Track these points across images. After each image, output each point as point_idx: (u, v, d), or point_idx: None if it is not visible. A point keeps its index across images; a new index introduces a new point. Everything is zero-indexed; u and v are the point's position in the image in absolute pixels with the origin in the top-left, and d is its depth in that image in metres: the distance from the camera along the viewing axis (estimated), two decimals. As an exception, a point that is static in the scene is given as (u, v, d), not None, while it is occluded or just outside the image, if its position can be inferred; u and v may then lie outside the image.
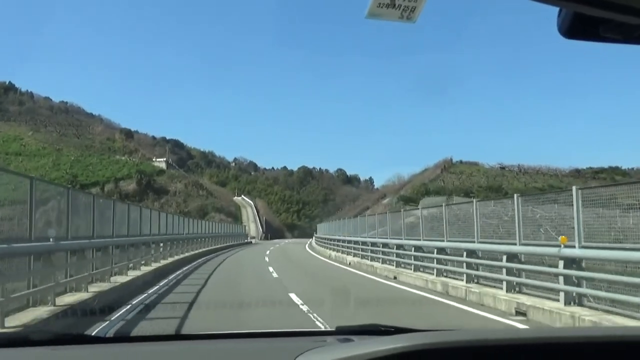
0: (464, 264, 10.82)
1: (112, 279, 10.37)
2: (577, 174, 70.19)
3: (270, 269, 16.13)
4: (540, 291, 8.19)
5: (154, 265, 14.58)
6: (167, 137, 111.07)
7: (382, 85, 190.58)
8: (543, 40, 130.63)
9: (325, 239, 31.01)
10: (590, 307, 6.87)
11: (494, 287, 9.46)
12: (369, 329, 1.79)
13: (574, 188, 7.63)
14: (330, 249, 26.62)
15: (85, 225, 9.82)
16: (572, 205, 7.49)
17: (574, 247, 7.16)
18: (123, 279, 10.76)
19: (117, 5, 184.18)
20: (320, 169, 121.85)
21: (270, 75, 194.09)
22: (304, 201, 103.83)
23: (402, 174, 77.11)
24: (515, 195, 9.43)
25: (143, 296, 9.69)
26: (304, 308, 7.77)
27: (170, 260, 17.27)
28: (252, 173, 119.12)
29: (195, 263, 19.25)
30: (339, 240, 24.74)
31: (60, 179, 56.29)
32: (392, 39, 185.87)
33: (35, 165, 68.66)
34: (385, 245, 16.56)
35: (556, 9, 0.73)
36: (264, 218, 77.21)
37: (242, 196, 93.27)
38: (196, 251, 23.68)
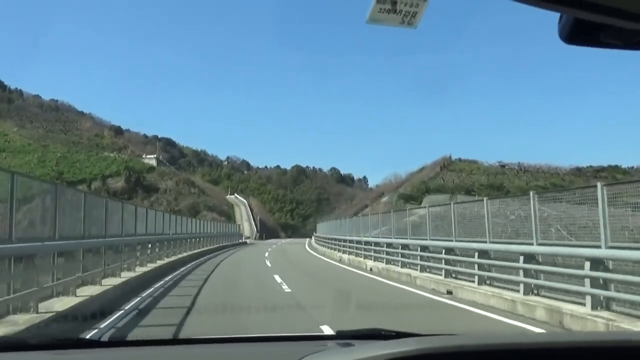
0: (476, 265, 10.49)
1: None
2: (579, 173, 70.53)
3: (277, 278, 13.19)
4: (560, 294, 7.89)
5: (123, 277, 11.20)
6: (159, 136, 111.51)
7: (378, 84, 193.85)
8: (542, 40, 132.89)
9: (328, 239, 29.78)
10: (621, 312, 6.53)
11: (510, 289, 9.16)
12: (369, 334, 1.81)
13: (598, 185, 7.32)
14: (337, 250, 24.80)
15: (73, 224, 9.35)
16: (597, 203, 7.16)
17: (599, 247, 6.84)
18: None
19: (115, 5, 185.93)
20: (313, 168, 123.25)
21: (265, 75, 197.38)
22: (298, 200, 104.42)
23: (399, 172, 77.28)
24: (531, 193, 9.14)
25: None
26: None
27: (148, 267, 14.17)
28: (245, 172, 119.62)
29: (183, 269, 16.33)
30: (345, 241, 23.30)
31: (45, 176, 55.47)
32: (390, 39, 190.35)
33: (20, 161, 67.71)
34: (405, 246, 15.08)
35: (556, 13, 0.73)
36: (258, 217, 76.66)
37: (235, 194, 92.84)
38: (185, 254, 20.99)
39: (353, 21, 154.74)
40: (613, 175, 66.82)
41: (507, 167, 70.35)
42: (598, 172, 71.56)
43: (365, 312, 7.78)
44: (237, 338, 2.02)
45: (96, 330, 6.28)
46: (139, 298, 9.55)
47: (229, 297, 10.25)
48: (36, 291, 6.66)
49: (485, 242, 10.36)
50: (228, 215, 70.78)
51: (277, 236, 75.40)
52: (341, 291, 11.23)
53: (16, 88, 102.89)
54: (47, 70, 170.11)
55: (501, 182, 59.36)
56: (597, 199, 6.98)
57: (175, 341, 2.40)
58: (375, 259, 17.53)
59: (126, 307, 8.25)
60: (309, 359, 1.26)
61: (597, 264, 6.90)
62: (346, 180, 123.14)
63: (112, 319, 7.11)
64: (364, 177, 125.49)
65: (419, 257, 13.80)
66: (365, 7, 1.00)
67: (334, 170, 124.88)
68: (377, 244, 17.78)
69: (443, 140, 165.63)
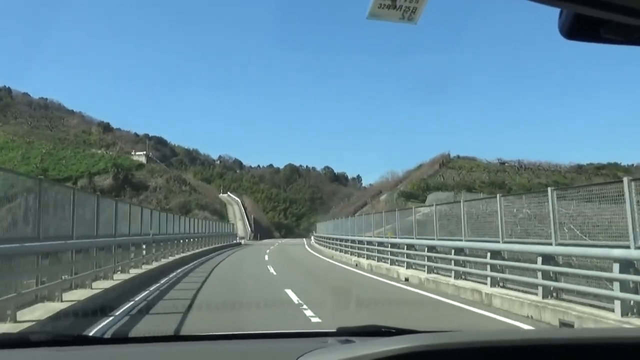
0: (488, 267, 10.17)
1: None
2: (580, 170, 70.89)
3: (291, 294, 9.85)
4: (582, 297, 7.58)
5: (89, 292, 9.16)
6: (150, 135, 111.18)
7: (373, 83, 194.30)
8: (541, 38, 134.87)
9: (333, 239, 28.12)
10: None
11: (526, 292, 8.88)
12: (370, 330, 1.83)
13: (625, 179, 6.98)
14: (347, 252, 22.71)
15: (58, 223, 8.89)
16: (625, 200, 6.83)
17: (627, 247, 6.51)
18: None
19: (109, 5, 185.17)
20: (307, 166, 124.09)
21: (258, 74, 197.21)
22: (291, 199, 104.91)
23: (395, 170, 77.24)
24: (549, 190, 8.80)
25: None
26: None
27: (126, 276, 11.81)
28: (238, 171, 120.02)
29: (167, 280, 13.04)
30: (357, 242, 21.27)
31: (29, 173, 54.53)
32: (389, 38, 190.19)
33: (3, 158, 66.64)
34: (431, 248, 13.52)
35: (556, 9, 0.75)
36: (252, 216, 76.04)
37: (228, 193, 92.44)
38: (170, 258, 18.16)
39: (351, 21, 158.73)
40: (614, 172, 67.35)
41: (507, 164, 70.42)
42: (599, 170, 72.12)
43: None
44: (237, 335, 2.04)
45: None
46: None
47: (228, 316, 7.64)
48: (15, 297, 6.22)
49: (498, 241, 10.05)
50: (221, 214, 70.08)
51: (271, 236, 75.04)
52: (365, 302, 8.95)
53: (4, 86, 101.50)
54: (39, 70, 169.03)
55: (503, 180, 59.43)
56: (606, 195, 6.94)
57: (177, 338, 2.37)
58: (408, 266, 14.57)
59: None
60: (310, 356, 1.28)
61: (627, 266, 6.58)
62: (340, 179, 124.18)
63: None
64: (358, 176, 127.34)
65: (425, 258, 13.49)
66: (365, 4, 1.02)
67: (327, 169, 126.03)
68: (393, 245, 16.13)
69: (440, 138, 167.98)
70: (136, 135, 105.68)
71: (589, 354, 1.18)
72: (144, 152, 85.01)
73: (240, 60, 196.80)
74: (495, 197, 10.61)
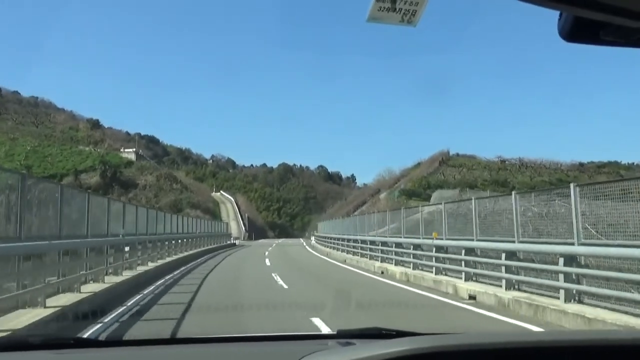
0: (503, 268, 9.81)
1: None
2: (582, 168, 71.09)
3: (320, 324, 6.66)
4: (607, 301, 7.21)
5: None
6: (142, 133, 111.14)
7: (368, 83, 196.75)
8: (541, 40, 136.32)
9: (337, 239, 26.32)
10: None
11: (545, 295, 8.56)
12: (370, 333, 1.87)
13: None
14: (363, 255, 19.86)
15: (40, 222, 8.41)
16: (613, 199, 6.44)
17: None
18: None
19: (106, 6, 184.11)
20: (300, 166, 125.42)
21: (252, 74, 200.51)
22: (285, 199, 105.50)
23: (392, 168, 77.19)
24: (572, 185, 8.40)
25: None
26: None
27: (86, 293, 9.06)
28: (230, 170, 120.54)
29: (140, 298, 9.76)
30: (372, 243, 18.98)
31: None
32: (387, 39, 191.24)
33: (-15, 155, 65.69)
34: (440, 248, 12.86)
35: (556, 12, 0.76)
36: (246, 215, 75.38)
37: (221, 191, 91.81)
38: (150, 265, 15.27)
39: (348, 22, 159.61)
40: (616, 171, 67.81)
41: (507, 162, 70.42)
42: (600, 168, 72.48)
43: None
44: (237, 337, 2.05)
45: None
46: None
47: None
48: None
49: (514, 241, 9.68)
50: (213, 213, 69.32)
51: (265, 236, 74.61)
52: None
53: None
54: (29, 70, 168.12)
55: (505, 178, 59.35)
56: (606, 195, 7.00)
57: (175, 340, 2.38)
58: (467, 277, 11.44)
59: None
60: (310, 358, 1.29)
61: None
62: (334, 179, 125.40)
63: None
64: (352, 176, 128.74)
65: (433, 259, 13.11)
66: (363, 5, 1.04)
67: (321, 168, 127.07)
68: (439, 248, 13.04)
69: (437, 137, 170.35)
70: (128, 134, 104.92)
71: (594, 355, 1.20)
72: (134, 149, 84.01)
73: (233, 61, 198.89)
74: (510, 194, 10.24)
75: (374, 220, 19.62)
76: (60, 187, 9.62)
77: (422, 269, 14.12)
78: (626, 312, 6.83)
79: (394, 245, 16.53)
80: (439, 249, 12.90)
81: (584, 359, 1.20)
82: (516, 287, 9.59)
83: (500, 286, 9.79)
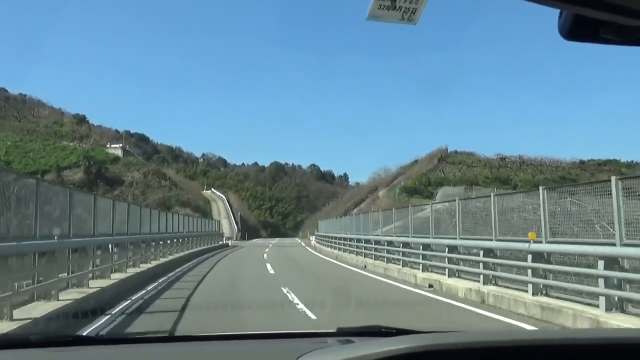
0: (529, 271, 9.04)
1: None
2: (583, 166, 71.18)
3: None
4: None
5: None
6: (132, 131, 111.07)
7: (362, 82, 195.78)
8: (540, 39, 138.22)
9: (348, 240, 23.79)
10: None
11: (580, 302, 7.92)
12: (370, 331, 1.87)
13: None
14: (389, 261, 16.77)
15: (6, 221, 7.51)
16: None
17: None
18: None
19: (102, 6, 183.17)
20: (292, 164, 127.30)
21: (244, 73, 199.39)
22: (277, 198, 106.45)
23: (389, 166, 77.22)
24: (613, 179, 7.65)
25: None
26: None
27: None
28: (222, 169, 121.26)
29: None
30: (381, 243, 17.34)
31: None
32: (385, 38, 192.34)
33: (-36, 151, 64.14)
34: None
35: (556, 10, 0.78)
36: (239, 214, 74.31)
37: (212, 189, 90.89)
38: (116, 277, 11.68)
39: (347, 20, 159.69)
40: (617, 169, 68.20)
41: (507, 159, 70.25)
42: (600, 166, 72.66)
43: None
44: (236, 335, 2.08)
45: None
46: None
47: None
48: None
49: (541, 241, 8.90)
50: (204, 211, 68.14)
51: (258, 235, 73.87)
52: None
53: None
54: (19, 68, 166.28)
55: (507, 176, 59.05)
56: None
57: (174, 338, 2.37)
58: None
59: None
60: (310, 356, 1.30)
61: None
62: (326, 177, 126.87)
63: None
64: (345, 174, 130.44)
65: (446, 259, 12.35)
66: (363, 6, 1.05)
67: (313, 167, 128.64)
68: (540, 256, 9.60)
69: (433, 135, 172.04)
70: (117, 132, 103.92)
71: (589, 354, 1.22)
72: (120, 145, 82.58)
73: (227, 60, 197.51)
74: (536, 190, 9.48)
75: (380, 218, 18.64)
76: (37, 181, 8.74)
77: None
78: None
79: (421, 247, 14.06)
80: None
81: (580, 357, 1.22)
82: (544, 292, 8.90)
83: (527, 291, 9.06)
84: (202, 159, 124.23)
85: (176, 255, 20.60)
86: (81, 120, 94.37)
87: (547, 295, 8.86)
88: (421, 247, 14.15)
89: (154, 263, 16.44)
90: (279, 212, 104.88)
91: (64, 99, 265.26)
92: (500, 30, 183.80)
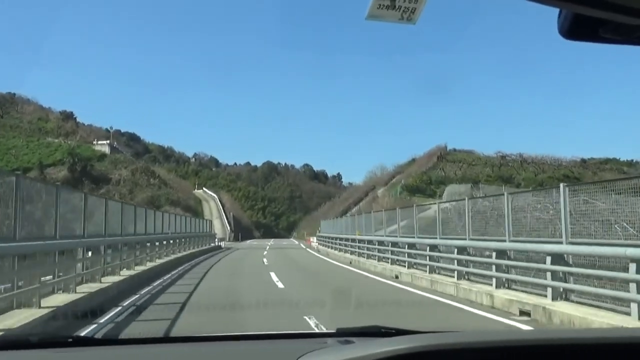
0: (548, 274, 8.64)
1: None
2: (584, 164, 71.30)
3: None
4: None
5: None
6: (122, 130, 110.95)
7: (360, 82, 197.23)
8: (542, 38, 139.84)
9: (361, 242, 21.31)
10: None
11: (603, 307, 7.58)
12: (369, 331, 1.90)
13: None
14: (433, 271, 13.44)
15: None
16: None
17: None
18: None
19: (100, 6, 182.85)
20: (285, 164, 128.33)
21: (237, 73, 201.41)
22: (270, 198, 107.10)
23: (385, 165, 77.28)
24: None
25: None
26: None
27: None
28: (214, 169, 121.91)
29: None
30: (413, 246, 15.12)
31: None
32: (384, 37, 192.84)
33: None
34: (462, 250, 11.90)
35: (555, 9, 0.79)
36: (231, 214, 73.62)
37: (204, 188, 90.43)
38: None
39: (346, 20, 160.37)
40: (618, 167, 68.43)
41: (507, 158, 70.23)
42: (602, 164, 72.83)
43: None
44: (236, 336, 2.09)
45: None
46: None
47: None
48: None
49: (561, 242, 8.55)
50: (195, 211, 67.36)
51: (252, 236, 73.52)
52: None
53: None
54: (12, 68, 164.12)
55: (510, 174, 58.97)
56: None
57: (175, 339, 2.31)
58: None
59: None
60: (309, 357, 1.32)
61: None
62: (319, 177, 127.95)
63: None
64: (338, 174, 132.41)
65: (456, 262, 11.98)
66: (363, 5, 1.07)
67: (306, 166, 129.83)
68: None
69: (430, 133, 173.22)
70: (107, 131, 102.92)
71: (589, 354, 1.23)
72: (107, 142, 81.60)
73: (222, 59, 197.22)
74: (558, 186, 9.08)
75: (397, 217, 17.26)
76: (16, 177, 8.23)
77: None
78: None
79: (465, 251, 12.08)
80: (559, 259, 8.75)
81: (580, 357, 1.23)
82: (564, 296, 8.52)
83: (546, 296, 8.67)
84: (193, 159, 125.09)
85: (158, 262, 17.72)
86: (68, 117, 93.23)
87: (567, 299, 8.48)
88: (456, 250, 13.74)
89: (123, 275, 13.11)
90: (271, 213, 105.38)
91: (55, 98, 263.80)
92: (499, 30, 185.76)
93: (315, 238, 38.76)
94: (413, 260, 15.25)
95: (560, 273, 8.63)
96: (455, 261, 12.03)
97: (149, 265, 16.58)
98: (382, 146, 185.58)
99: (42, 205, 9.31)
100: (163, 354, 1.79)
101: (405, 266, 15.38)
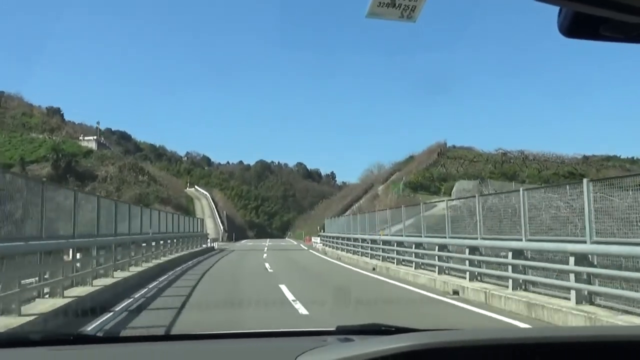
0: (572, 276, 8.29)
1: None
2: (586, 161, 71.58)
3: None
4: None
5: None
6: (113, 129, 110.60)
7: (357, 82, 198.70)
8: (543, 36, 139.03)
9: (385, 243, 18.01)
10: None
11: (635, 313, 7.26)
12: (369, 329, 1.92)
13: None
14: (485, 280, 11.36)
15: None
16: None
17: None
18: None
19: (97, 5, 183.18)
20: (279, 163, 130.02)
21: (230, 72, 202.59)
22: (263, 197, 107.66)
23: (382, 163, 77.46)
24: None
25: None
26: None
27: None
28: (206, 168, 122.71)
29: None
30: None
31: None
32: (384, 37, 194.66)
33: None
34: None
35: (556, 7, 0.80)
36: (225, 213, 72.92)
37: (196, 187, 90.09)
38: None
39: (345, 20, 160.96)
40: (621, 165, 68.84)
41: (509, 154, 70.26)
42: (604, 161, 73.20)
43: None
44: (235, 334, 2.17)
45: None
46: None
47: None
48: None
49: (585, 241, 8.17)
50: (186, 209, 66.53)
51: (246, 236, 73.01)
52: None
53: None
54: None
55: (514, 171, 59.00)
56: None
57: (175, 337, 2.38)
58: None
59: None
60: (309, 354, 1.34)
61: None
62: (313, 176, 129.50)
63: None
64: (332, 173, 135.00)
65: (467, 263, 11.53)
66: (363, 4, 1.08)
67: (300, 165, 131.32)
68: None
69: (428, 131, 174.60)
70: (98, 129, 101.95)
71: (588, 352, 1.25)
72: (95, 137, 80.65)
73: (217, 59, 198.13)
74: (580, 181, 8.72)
75: (403, 216, 16.50)
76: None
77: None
78: None
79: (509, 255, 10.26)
80: (583, 259, 8.37)
81: (580, 355, 1.25)
82: (589, 299, 8.20)
83: (569, 299, 8.32)
84: (186, 158, 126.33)
85: (131, 272, 14.02)
86: (54, 112, 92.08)
87: (592, 303, 8.11)
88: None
89: (96, 286, 10.73)
90: (265, 212, 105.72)
91: (44, 97, 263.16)
92: (499, 28, 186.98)
93: (318, 238, 37.43)
94: (476, 270, 11.55)
95: (585, 274, 8.26)
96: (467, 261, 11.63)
97: (116, 278, 12.47)
98: (378, 145, 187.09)
99: (24, 203, 8.82)
100: (164, 352, 1.82)
101: (466, 277, 11.65)
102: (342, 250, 26.08)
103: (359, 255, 22.15)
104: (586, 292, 8.22)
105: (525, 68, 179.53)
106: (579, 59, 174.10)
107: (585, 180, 8.56)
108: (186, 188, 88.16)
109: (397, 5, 1.09)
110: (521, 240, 9.97)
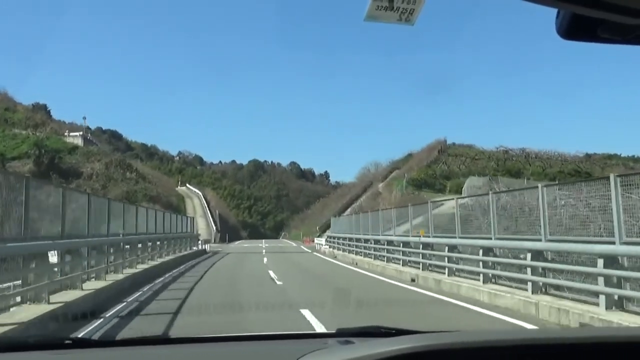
0: (600, 279, 7.89)
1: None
2: (589, 159, 71.78)
3: None
4: None
5: None
6: (104, 128, 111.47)
7: (354, 82, 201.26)
8: (540, 38, 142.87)
9: (422, 245, 15.13)
10: None
11: None
12: (369, 331, 1.98)
13: None
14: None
15: None
16: None
17: None
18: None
19: (96, 5, 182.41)
20: (272, 162, 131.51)
21: (224, 71, 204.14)
22: (256, 196, 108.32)
23: (380, 161, 77.51)
24: None
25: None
26: None
27: None
28: (198, 167, 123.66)
29: None
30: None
31: None
32: (381, 37, 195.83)
33: None
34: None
35: (554, 10, 0.82)
36: (217, 212, 72.21)
37: (187, 185, 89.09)
38: None
39: (344, 20, 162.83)
40: (623, 163, 69.20)
41: (510, 152, 70.29)
42: (606, 160, 73.50)
43: None
44: (236, 337, 2.15)
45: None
46: None
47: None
48: None
49: (614, 242, 7.83)
50: (177, 208, 65.59)
51: (239, 237, 72.51)
52: None
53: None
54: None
55: (518, 169, 58.92)
56: None
57: (174, 340, 2.35)
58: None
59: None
60: (309, 357, 1.35)
61: None
62: (306, 176, 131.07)
63: None
64: (326, 172, 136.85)
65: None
66: (362, 6, 1.11)
67: (293, 164, 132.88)
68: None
69: (426, 130, 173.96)
70: (88, 128, 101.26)
71: (590, 353, 1.26)
72: (80, 133, 79.63)
73: (214, 58, 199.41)
74: (608, 176, 8.31)
75: (430, 213, 15.37)
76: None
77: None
78: None
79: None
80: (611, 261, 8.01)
81: (580, 356, 1.26)
82: (621, 305, 7.84)
83: (598, 305, 7.94)
84: (178, 157, 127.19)
85: (99, 286, 11.15)
86: (39, 108, 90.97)
87: (623, 309, 7.70)
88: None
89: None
90: (258, 212, 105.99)
91: (32, 94, 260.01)
92: (499, 28, 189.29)
93: (322, 239, 35.52)
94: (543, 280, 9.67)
95: (615, 278, 7.84)
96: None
97: (72, 296, 9.52)
98: (374, 144, 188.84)
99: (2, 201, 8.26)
100: (162, 355, 1.84)
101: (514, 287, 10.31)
102: (357, 254, 23.21)
103: (382, 260, 19.37)
104: (616, 297, 7.84)
105: (525, 68, 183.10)
106: (579, 58, 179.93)
107: (612, 176, 8.17)
108: (177, 186, 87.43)
109: (395, 8, 1.12)
110: (541, 240, 9.58)
